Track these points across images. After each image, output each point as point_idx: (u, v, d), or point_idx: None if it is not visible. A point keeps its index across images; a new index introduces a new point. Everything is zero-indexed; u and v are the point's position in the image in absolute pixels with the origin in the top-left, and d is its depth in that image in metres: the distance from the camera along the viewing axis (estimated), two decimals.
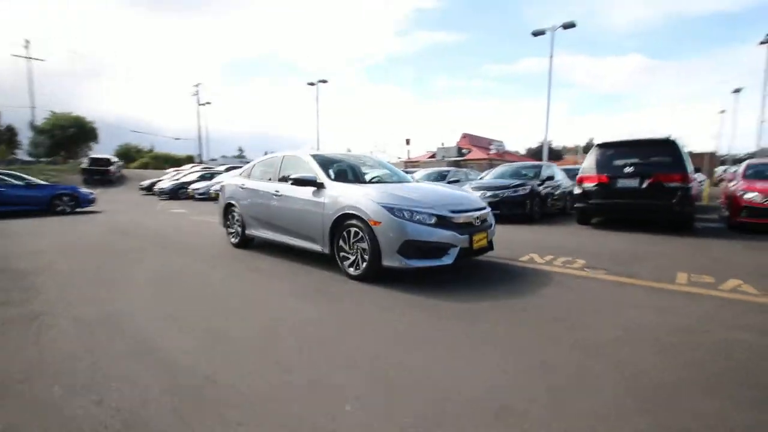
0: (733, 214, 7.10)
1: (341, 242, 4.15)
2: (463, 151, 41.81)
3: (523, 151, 59.60)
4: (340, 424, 1.69)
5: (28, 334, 2.71)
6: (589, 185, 7.55)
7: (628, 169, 7.14)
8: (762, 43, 17.74)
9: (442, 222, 3.79)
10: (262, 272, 4.49)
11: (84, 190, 12.15)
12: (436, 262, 3.73)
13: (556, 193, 10.11)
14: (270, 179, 5.39)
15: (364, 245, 3.89)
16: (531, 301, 3.32)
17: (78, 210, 11.80)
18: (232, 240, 6.05)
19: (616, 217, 7.99)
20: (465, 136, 44.32)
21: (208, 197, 17.84)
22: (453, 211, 3.90)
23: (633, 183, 7.06)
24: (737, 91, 27.69)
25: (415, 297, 3.45)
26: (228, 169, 24.70)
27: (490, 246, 4.28)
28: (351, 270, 4.05)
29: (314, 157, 4.91)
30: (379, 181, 5.17)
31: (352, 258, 4.05)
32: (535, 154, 54.80)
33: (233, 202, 5.92)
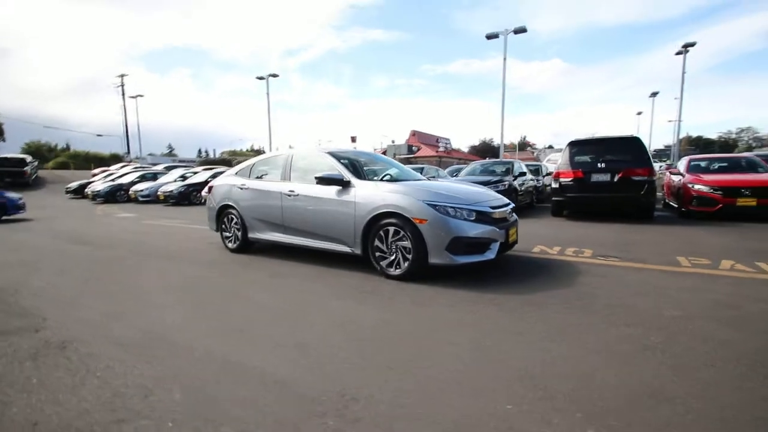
0: (684, 203, 8.06)
1: (377, 242, 4.05)
2: (413, 148, 42.68)
3: (465, 149, 62.28)
4: (513, 423, 1.66)
5: (74, 366, 2.30)
6: (565, 180, 8.12)
7: (600, 165, 7.79)
8: (678, 53, 20.40)
9: (483, 218, 3.86)
10: (287, 276, 4.23)
11: (12, 194, 10.49)
12: (481, 257, 3.79)
13: (522, 188, 10.72)
14: (278, 178, 5.09)
15: (406, 244, 3.84)
16: (578, 290, 3.50)
17: (5, 218, 10.18)
18: (230, 245, 5.62)
19: (589, 210, 8.67)
20: (414, 133, 45.22)
21: (154, 199, 16.36)
22: (491, 207, 3.99)
23: (605, 177, 7.73)
24: (654, 94, 31.47)
25: (467, 293, 3.47)
26: (168, 168, 22.90)
27: (516, 240, 4.44)
28: (391, 270, 3.96)
29: (332, 154, 4.72)
30: (394, 179, 5.10)
31: (391, 258, 3.96)
32: (479, 151, 57.55)
33: (230, 203, 5.50)
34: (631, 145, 7.86)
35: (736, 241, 5.51)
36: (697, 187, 7.83)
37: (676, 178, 9.01)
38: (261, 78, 25.69)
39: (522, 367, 2.15)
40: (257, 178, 5.40)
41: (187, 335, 2.70)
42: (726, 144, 58.64)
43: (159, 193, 16.10)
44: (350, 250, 4.30)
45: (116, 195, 18.03)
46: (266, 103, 27.08)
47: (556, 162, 15.57)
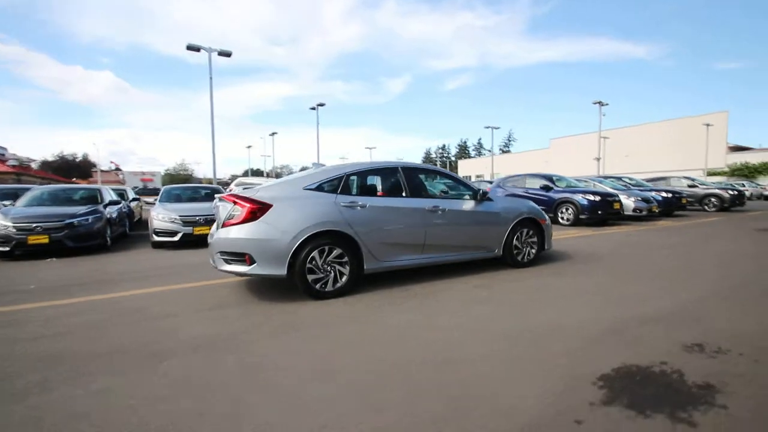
0: None
1: (515, 242, 5.20)
2: None
3: (34, 166, 44.55)
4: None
5: None
6: None
7: None
8: (312, 108, 27.07)
9: None
10: (482, 298, 4.37)
11: None
12: None
13: (116, 218, 8.67)
14: (396, 194, 4.57)
15: (534, 240, 5.38)
16: (618, 256, 6.54)
17: None
18: (330, 287, 3.97)
19: None
20: None
21: None
22: None
23: None
24: (274, 134, 38.91)
25: (583, 267, 5.67)
26: None
27: None
28: (523, 260, 5.28)
29: (451, 172, 5.04)
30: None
31: (524, 251, 5.30)
32: (58, 168, 43.26)
33: (334, 229, 3.96)
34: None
35: None
36: None
37: None
38: None
39: (657, 265, 5.09)
40: (360, 194, 4.36)
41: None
42: (280, 174, 78.53)
43: None
44: (493, 254, 5.06)
45: None
46: None
47: (246, 185, 16.69)
